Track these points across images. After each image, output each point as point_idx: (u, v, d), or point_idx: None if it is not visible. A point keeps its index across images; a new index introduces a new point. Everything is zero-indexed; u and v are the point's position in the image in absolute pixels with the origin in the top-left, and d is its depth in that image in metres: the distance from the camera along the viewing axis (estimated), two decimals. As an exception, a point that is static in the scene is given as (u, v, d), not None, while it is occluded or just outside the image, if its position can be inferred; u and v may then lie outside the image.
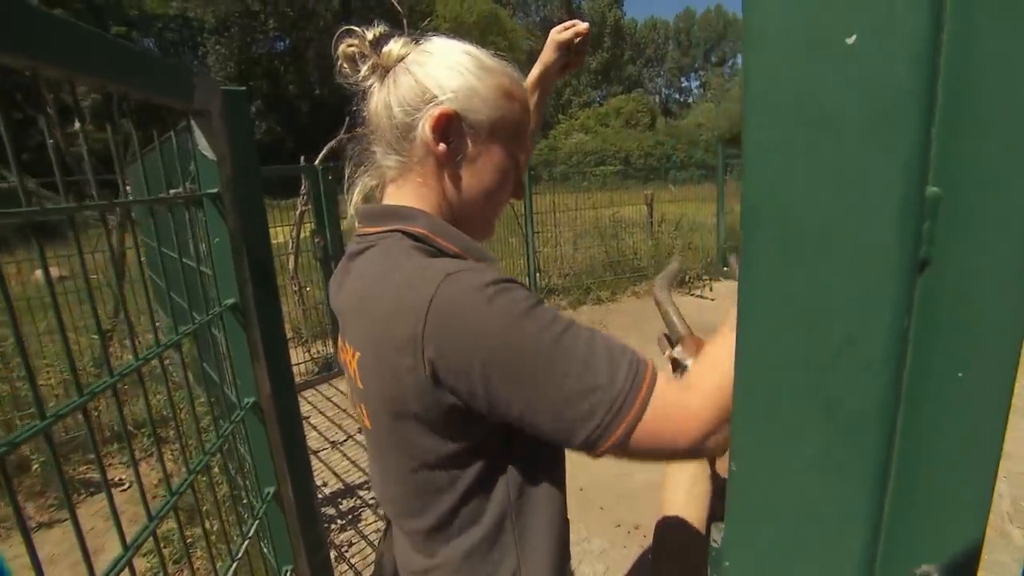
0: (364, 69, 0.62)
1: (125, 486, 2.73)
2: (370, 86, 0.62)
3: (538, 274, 5.97)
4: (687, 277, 6.49)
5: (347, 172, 0.68)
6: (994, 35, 0.21)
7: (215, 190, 0.91)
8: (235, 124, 0.95)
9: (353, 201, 0.65)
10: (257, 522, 1.00)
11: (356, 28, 0.61)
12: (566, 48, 0.85)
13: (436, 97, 0.57)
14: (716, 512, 1.03)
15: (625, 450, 0.45)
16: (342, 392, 3.88)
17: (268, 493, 1.06)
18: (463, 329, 0.45)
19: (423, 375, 0.48)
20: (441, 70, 0.58)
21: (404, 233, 0.57)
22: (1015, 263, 0.23)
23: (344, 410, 3.57)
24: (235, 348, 0.98)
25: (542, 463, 0.58)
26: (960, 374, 0.25)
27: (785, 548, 0.29)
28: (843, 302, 0.25)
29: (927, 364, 0.25)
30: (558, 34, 0.85)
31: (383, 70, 0.61)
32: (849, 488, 0.26)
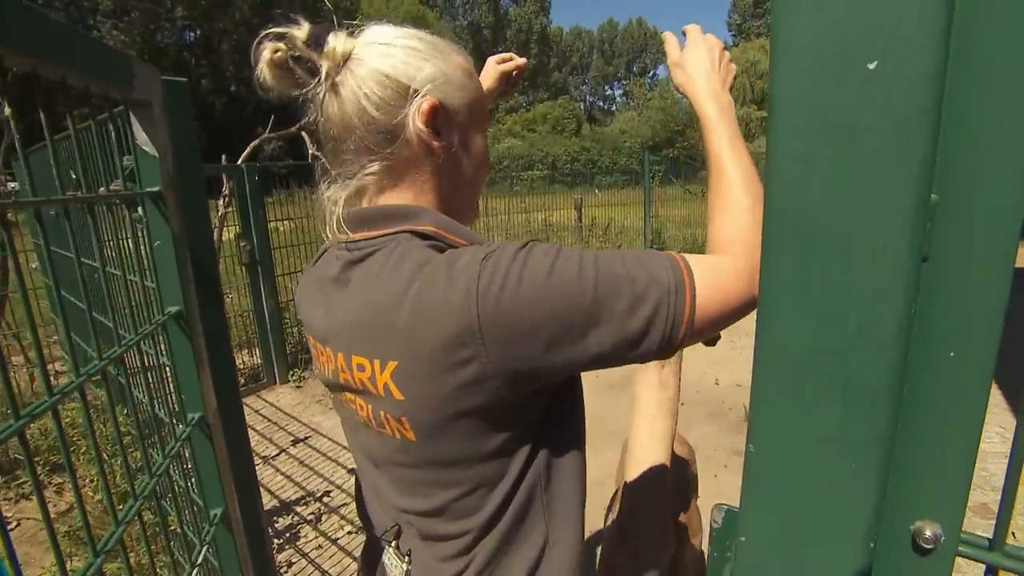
0: (302, 73, 0.55)
1: (12, 524, 2.40)
2: (320, 92, 0.56)
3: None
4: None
5: (321, 190, 0.61)
6: (990, 65, 0.25)
7: (156, 188, 0.84)
8: (177, 117, 0.89)
9: (336, 217, 0.58)
10: (206, 548, 0.93)
11: (282, 29, 0.54)
12: (505, 79, 0.88)
13: (415, 89, 0.54)
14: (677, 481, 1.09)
15: (698, 331, 0.48)
16: (271, 404, 3.67)
17: (215, 516, 0.99)
18: (519, 303, 0.46)
19: (485, 362, 0.47)
20: (407, 59, 0.55)
21: (413, 233, 0.55)
22: (996, 260, 0.27)
23: (275, 423, 3.38)
24: (179, 359, 0.90)
25: (569, 432, 0.60)
26: (952, 353, 0.29)
27: (801, 516, 0.32)
28: (859, 292, 0.28)
29: (925, 345, 0.29)
30: (499, 64, 0.87)
31: (332, 71, 0.55)
32: (861, 457, 0.30)
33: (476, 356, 0.47)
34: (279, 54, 0.54)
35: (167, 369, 0.92)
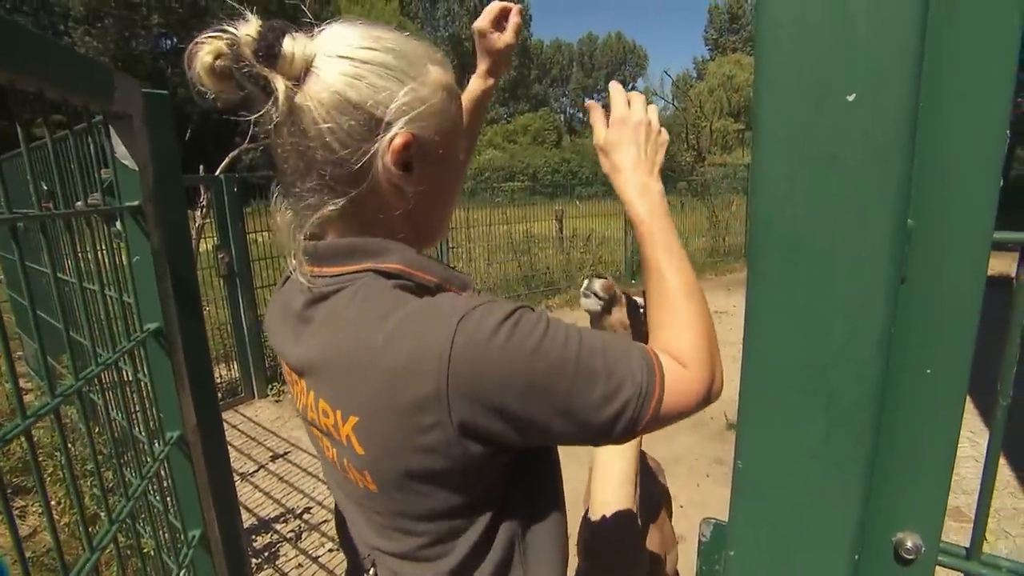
0: (250, 87, 0.46)
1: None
2: (273, 112, 0.47)
3: (455, 289, 5.94)
4: (598, 289, 6.78)
5: (279, 218, 0.56)
6: (961, 97, 0.26)
7: (136, 202, 0.83)
8: (157, 130, 0.88)
9: (295, 255, 0.54)
10: (184, 571, 0.90)
11: (224, 29, 0.46)
12: (502, 48, 0.79)
13: (387, 122, 0.48)
14: (642, 515, 1.09)
15: (650, 428, 0.49)
16: (249, 419, 3.59)
17: (194, 537, 0.97)
18: (492, 377, 0.44)
19: (449, 430, 0.45)
20: (377, 82, 0.47)
21: (377, 272, 0.51)
22: (968, 282, 0.28)
23: (253, 438, 3.31)
24: (158, 377, 0.88)
25: (545, 483, 0.59)
26: (928, 370, 0.30)
27: (788, 529, 0.33)
28: (842, 310, 0.29)
29: (903, 362, 0.30)
30: (483, 23, 0.77)
31: (289, 91, 0.46)
32: (845, 471, 0.31)
33: (439, 423, 0.45)
34: (220, 62, 0.46)
35: (144, 385, 0.90)
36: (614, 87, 0.67)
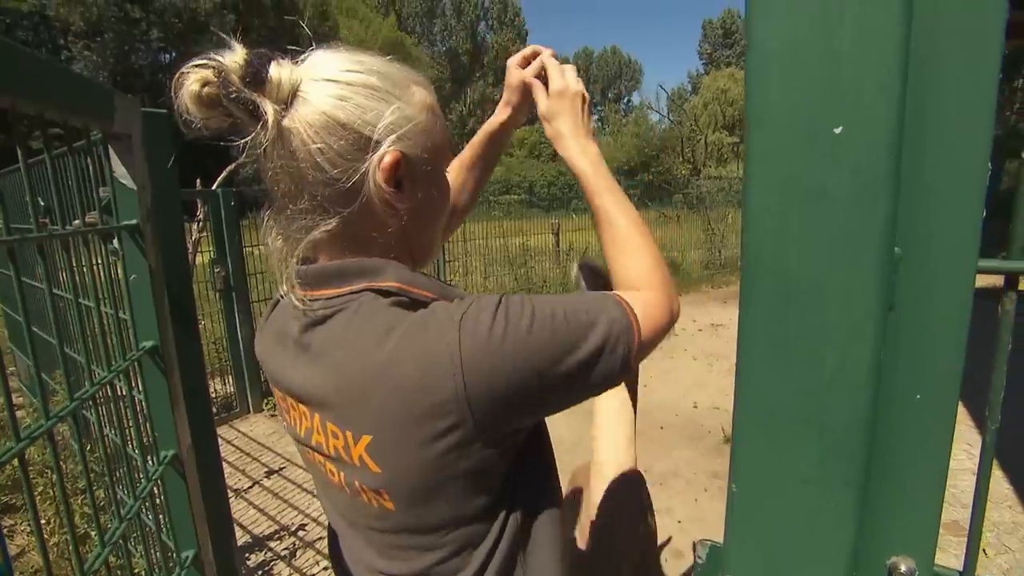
0: (239, 113, 0.47)
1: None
2: (263, 136, 0.48)
3: (452, 302, 5.94)
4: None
5: (270, 241, 0.56)
6: (943, 129, 0.27)
7: (134, 221, 0.83)
8: (156, 149, 0.88)
9: (288, 274, 0.54)
10: (176, 592, 0.89)
11: (209, 59, 0.47)
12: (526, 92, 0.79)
13: (375, 141, 0.49)
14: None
15: (641, 355, 0.53)
16: (244, 434, 3.56)
17: (187, 558, 0.95)
18: (504, 366, 0.46)
19: (469, 429, 0.47)
20: (364, 103, 0.48)
21: (374, 291, 0.51)
22: (955, 309, 0.29)
23: (248, 454, 3.28)
24: (153, 395, 0.88)
25: (544, 482, 0.61)
26: (918, 396, 0.30)
27: (783, 554, 0.33)
28: (833, 338, 0.29)
29: (893, 388, 0.30)
30: (521, 69, 0.77)
31: (278, 114, 0.47)
32: (838, 497, 0.31)
33: (461, 422, 0.47)
34: (207, 90, 0.46)
35: (138, 403, 0.89)
36: (549, 60, 0.74)
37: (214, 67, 0.46)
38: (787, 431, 0.31)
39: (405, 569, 0.56)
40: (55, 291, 0.72)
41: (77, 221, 1.01)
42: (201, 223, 3.66)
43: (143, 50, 25.24)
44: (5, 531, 2.51)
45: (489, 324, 0.47)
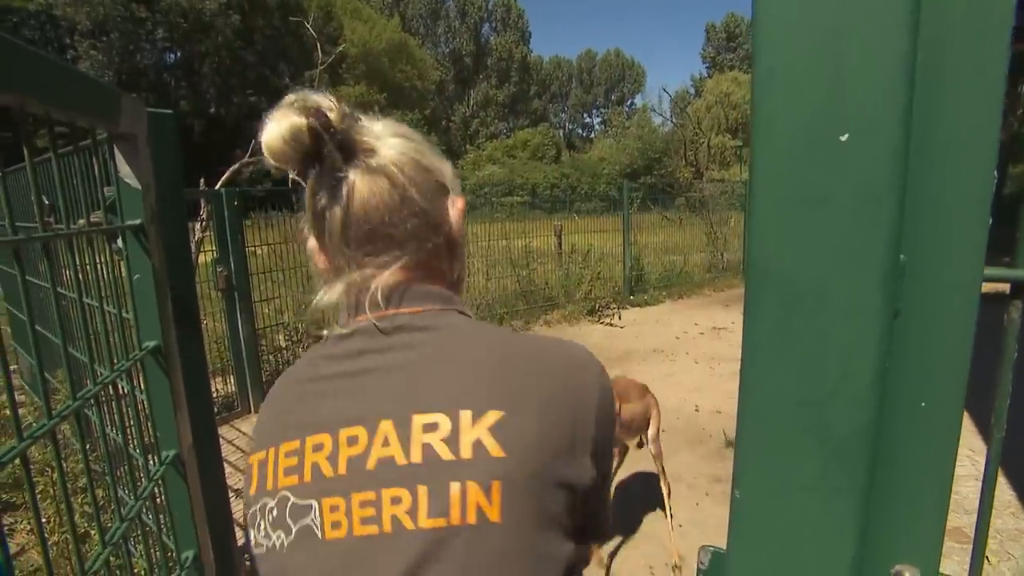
0: (332, 149, 0.49)
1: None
2: (349, 173, 0.51)
3: (454, 303, 5.95)
4: (597, 306, 6.80)
5: (347, 281, 0.53)
6: (951, 137, 0.27)
7: (138, 221, 0.84)
8: (161, 150, 0.89)
9: (371, 292, 0.52)
10: (177, 593, 0.89)
11: (311, 98, 0.49)
12: None
13: (447, 186, 0.57)
14: None
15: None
16: (245, 434, 3.57)
17: (187, 559, 0.95)
18: (610, 403, 0.52)
19: (590, 428, 0.49)
20: (430, 155, 0.56)
21: (462, 313, 0.55)
22: (961, 315, 0.29)
23: (249, 454, 3.28)
24: (155, 395, 0.88)
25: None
26: (923, 403, 0.30)
27: (786, 561, 0.33)
28: (837, 346, 0.29)
29: (898, 396, 0.30)
30: None
31: (369, 150, 0.51)
32: (841, 505, 0.31)
33: (587, 418, 0.49)
34: (313, 122, 0.48)
35: (141, 403, 0.89)
36: None
37: (317, 105, 0.48)
38: (791, 437, 0.31)
39: None
40: (59, 290, 0.72)
41: (82, 220, 1.01)
42: (204, 222, 3.68)
43: (148, 50, 25.35)
44: (5, 529, 2.52)
45: (606, 378, 0.54)
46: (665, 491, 2.40)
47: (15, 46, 0.56)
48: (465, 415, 0.45)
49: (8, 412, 0.55)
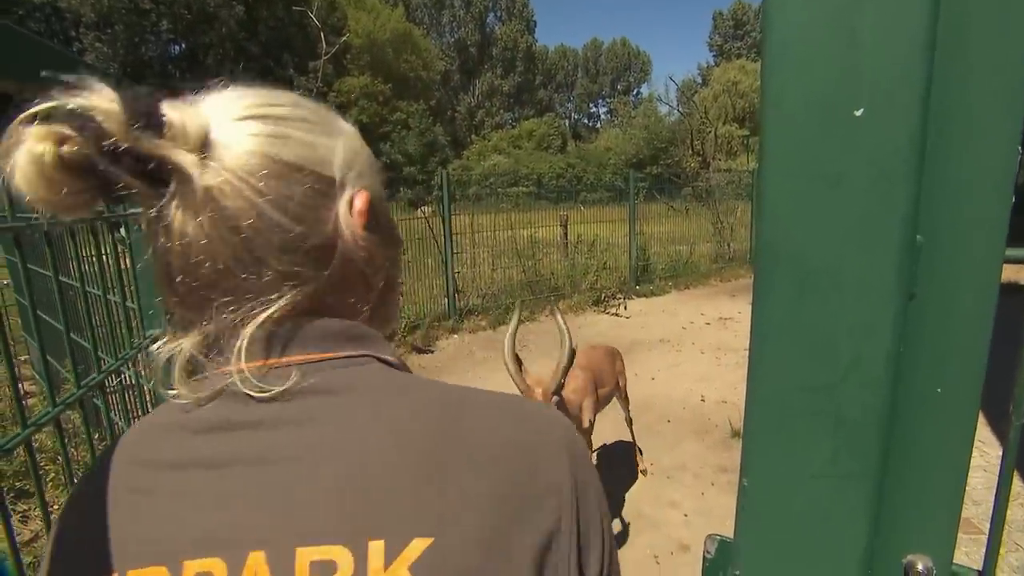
0: (127, 178, 0.32)
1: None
2: (170, 207, 0.33)
3: (457, 295, 5.96)
4: (602, 296, 6.78)
5: (178, 345, 0.36)
6: (967, 115, 0.26)
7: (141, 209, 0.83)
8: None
9: (240, 345, 0.36)
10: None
11: (60, 104, 0.30)
12: None
13: (339, 179, 0.39)
14: None
15: None
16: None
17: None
18: (593, 480, 0.38)
19: (569, 522, 0.35)
20: (304, 137, 0.38)
21: (381, 360, 0.39)
22: (979, 298, 0.28)
23: None
24: (161, 383, 0.88)
25: None
26: (938, 389, 0.29)
27: (796, 550, 0.32)
28: (849, 329, 0.28)
29: (913, 381, 0.29)
30: None
31: (194, 168, 0.33)
32: (853, 492, 0.30)
33: (559, 512, 0.35)
34: (69, 149, 0.30)
35: (147, 391, 0.90)
36: None
37: (78, 114, 0.30)
38: (800, 424, 0.30)
39: None
40: (62, 279, 0.72)
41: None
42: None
43: (153, 41, 25.37)
44: (20, 516, 2.56)
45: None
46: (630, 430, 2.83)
47: (15, 32, 0.55)
48: (375, 547, 0.31)
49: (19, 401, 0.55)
